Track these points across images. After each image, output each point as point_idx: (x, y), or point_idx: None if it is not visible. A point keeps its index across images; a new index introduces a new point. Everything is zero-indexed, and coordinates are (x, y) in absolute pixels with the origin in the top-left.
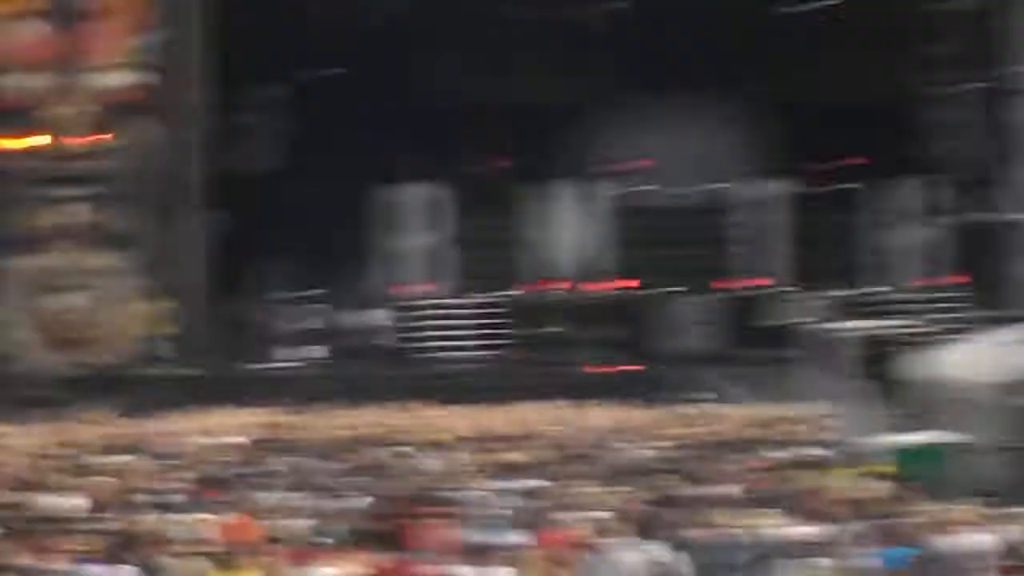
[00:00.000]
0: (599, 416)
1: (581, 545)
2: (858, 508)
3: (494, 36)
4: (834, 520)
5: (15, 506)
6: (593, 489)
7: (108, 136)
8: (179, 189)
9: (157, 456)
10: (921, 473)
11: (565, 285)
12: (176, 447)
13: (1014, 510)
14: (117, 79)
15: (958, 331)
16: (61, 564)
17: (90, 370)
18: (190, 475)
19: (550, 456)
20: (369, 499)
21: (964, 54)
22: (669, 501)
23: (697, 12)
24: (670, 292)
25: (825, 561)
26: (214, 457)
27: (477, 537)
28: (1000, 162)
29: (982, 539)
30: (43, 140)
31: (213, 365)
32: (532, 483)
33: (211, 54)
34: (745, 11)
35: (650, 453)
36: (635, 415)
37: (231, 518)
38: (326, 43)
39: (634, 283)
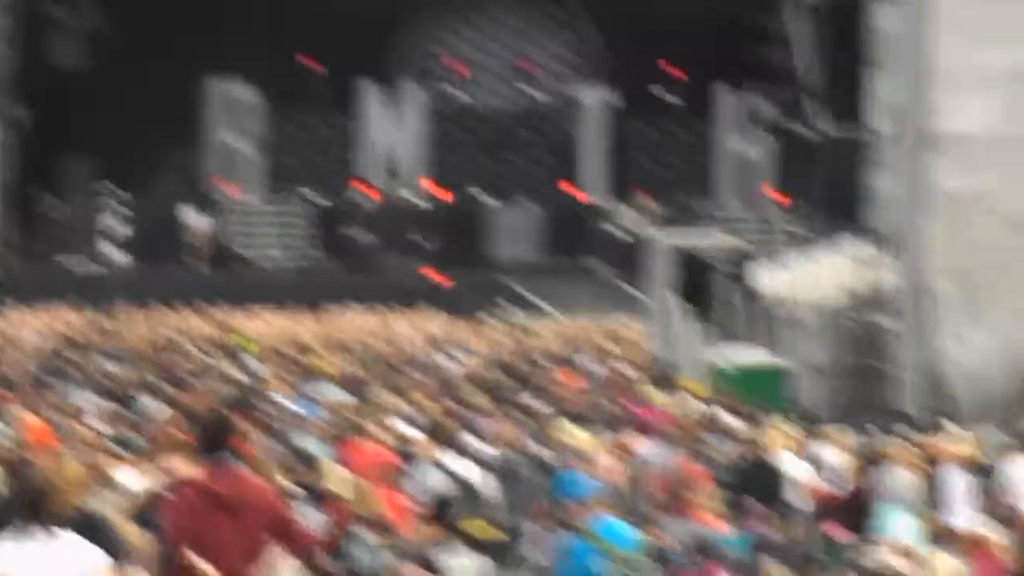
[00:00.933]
0: (410, 326)
1: (386, 458)
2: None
3: None
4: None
5: None
6: (399, 401)
7: None
8: None
9: None
10: (744, 394)
11: (376, 191)
12: None
13: (830, 431)
14: None
15: (786, 249)
16: None
17: None
18: None
19: (359, 366)
20: (169, 407)
21: None
22: (477, 415)
23: None
24: (486, 201)
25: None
26: (10, 358)
27: (281, 446)
28: (844, 74)
29: (795, 461)
30: None
31: (15, 263)
32: (339, 393)
33: None
34: None
35: (460, 366)
36: (446, 326)
37: (27, 420)
38: None
39: (447, 191)
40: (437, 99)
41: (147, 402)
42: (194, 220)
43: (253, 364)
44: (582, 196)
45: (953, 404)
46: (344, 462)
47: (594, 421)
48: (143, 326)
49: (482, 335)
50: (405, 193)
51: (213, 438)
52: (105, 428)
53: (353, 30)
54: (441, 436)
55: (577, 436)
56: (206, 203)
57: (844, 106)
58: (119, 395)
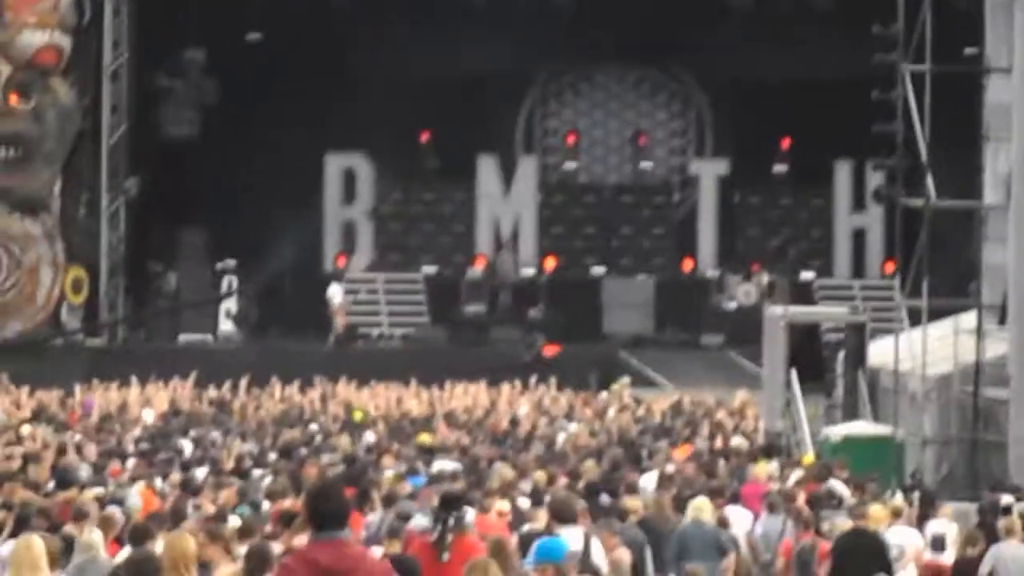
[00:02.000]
0: (523, 399)
1: (501, 531)
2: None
3: (425, 6)
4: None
5: None
6: (513, 474)
7: (21, 98)
8: (93, 154)
9: (59, 428)
10: (852, 465)
11: (486, 263)
12: (83, 418)
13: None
14: (31, 39)
15: (895, 321)
16: None
17: None
18: (93, 449)
19: (469, 438)
20: (282, 479)
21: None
22: (589, 486)
23: None
24: (596, 273)
25: None
26: (120, 430)
27: (394, 520)
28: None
29: (905, 533)
30: None
31: (125, 336)
32: (450, 465)
33: (130, 16)
34: None
35: (573, 438)
36: (559, 399)
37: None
38: (251, 9)
39: (554, 263)
40: (552, 172)
41: (261, 475)
42: (335, 294)
43: (368, 437)
44: (696, 269)
45: None
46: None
47: (707, 493)
48: (257, 400)
49: (595, 408)
50: (520, 266)
51: (325, 512)
52: (220, 502)
53: (471, 104)
54: (559, 511)
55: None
56: (325, 277)
57: (958, 178)
58: (233, 470)
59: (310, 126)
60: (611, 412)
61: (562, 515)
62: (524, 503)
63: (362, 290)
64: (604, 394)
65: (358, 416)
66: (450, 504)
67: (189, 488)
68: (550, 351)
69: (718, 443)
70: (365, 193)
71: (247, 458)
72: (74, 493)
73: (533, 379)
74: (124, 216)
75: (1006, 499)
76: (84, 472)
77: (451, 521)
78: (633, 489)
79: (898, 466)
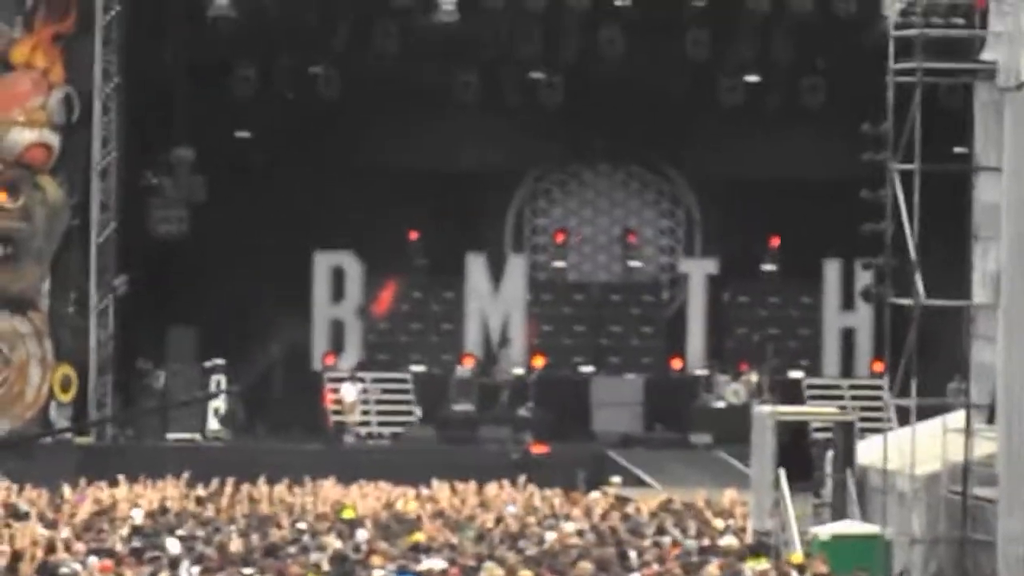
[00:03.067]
0: (508, 497)
1: None
2: None
3: (414, 104)
4: None
5: None
6: (500, 571)
7: (10, 196)
8: (82, 252)
9: (48, 525)
10: (840, 564)
11: (474, 362)
12: (69, 517)
13: None
14: (19, 137)
15: (884, 420)
16: None
17: None
18: (82, 547)
19: (457, 538)
20: None
21: (905, 132)
22: None
23: (624, 86)
24: (585, 372)
25: None
26: (108, 528)
27: None
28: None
29: None
30: None
31: (114, 434)
32: (439, 564)
33: (119, 114)
34: (671, 87)
35: (558, 537)
36: (545, 497)
37: None
38: (240, 107)
39: (543, 361)
40: (540, 270)
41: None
42: (348, 392)
43: (359, 535)
44: (685, 368)
45: None
46: None
47: None
48: (245, 499)
49: (583, 507)
50: (507, 364)
51: None
52: None
53: (460, 202)
54: None
55: None
56: (313, 376)
57: (947, 277)
58: (220, 568)
59: (299, 224)
60: (599, 510)
61: None
62: None
63: (375, 389)
64: (593, 494)
65: (348, 514)
66: None
67: None
68: (538, 450)
69: (706, 542)
70: (354, 291)
71: (237, 557)
72: None
73: (522, 479)
74: (113, 314)
75: None
76: (69, 569)
77: None
78: None
79: (886, 565)
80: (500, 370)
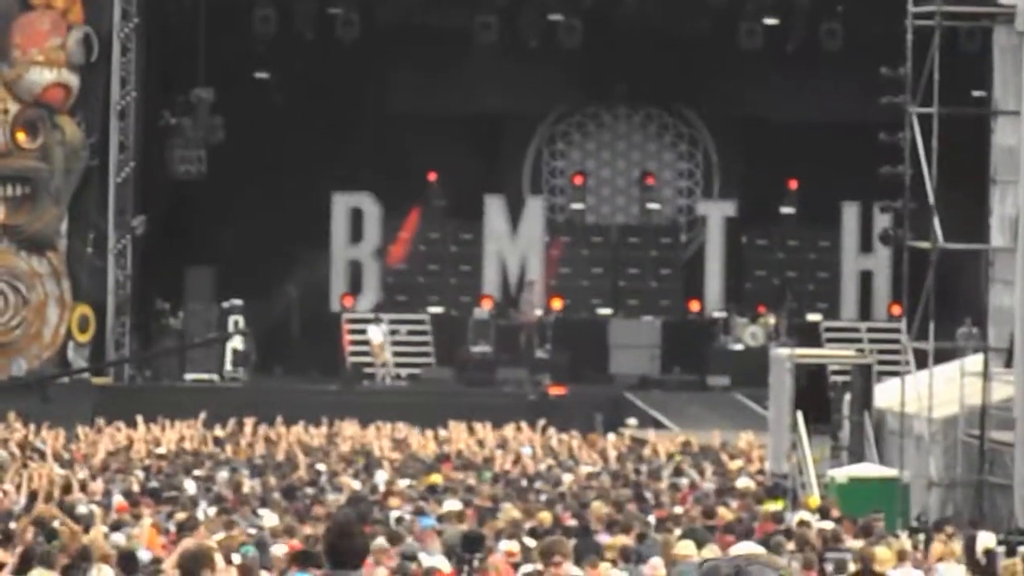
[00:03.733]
0: (526, 439)
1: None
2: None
3: (433, 47)
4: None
5: None
6: (521, 515)
7: (28, 136)
8: (100, 192)
9: (65, 465)
10: (857, 507)
11: (492, 303)
12: (87, 456)
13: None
14: (39, 77)
15: (902, 363)
16: None
17: (5, 375)
18: (99, 487)
19: (478, 480)
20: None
21: (924, 76)
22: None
23: (642, 28)
24: (603, 314)
25: None
26: (126, 469)
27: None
28: (953, 190)
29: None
30: None
31: (131, 374)
32: (456, 506)
33: (138, 54)
34: (690, 30)
35: (578, 479)
36: (563, 439)
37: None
38: (259, 48)
39: (561, 304)
40: (559, 213)
41: (267, 515)
42: (375, 335)
43: (376, 478)
44: (703, 310)
45: None
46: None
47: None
48: (261, 439)
49: (600, 448)
50: (526, 306)
51: (346, 549)
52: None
53: (478, 144)
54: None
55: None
56: (332, 317)
57: (966, 220)
58: (237, 508)
59: (317, 165)
60: (615, 452)
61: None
62: (530, 543)
63: (402, 330)
64: (611, 436)
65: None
66: (473, 545)
67: (191, 527)
68: (556, 392)
69: (723, 484)
70: (372, 233)
71: (252, 497)
72: (80, 530)
73: (540, 421)
74: (131, 254)
75: (986, 537)
76: (87, 509)
77: (475, 562)
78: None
79: (904, 508)
80: (519, 312)
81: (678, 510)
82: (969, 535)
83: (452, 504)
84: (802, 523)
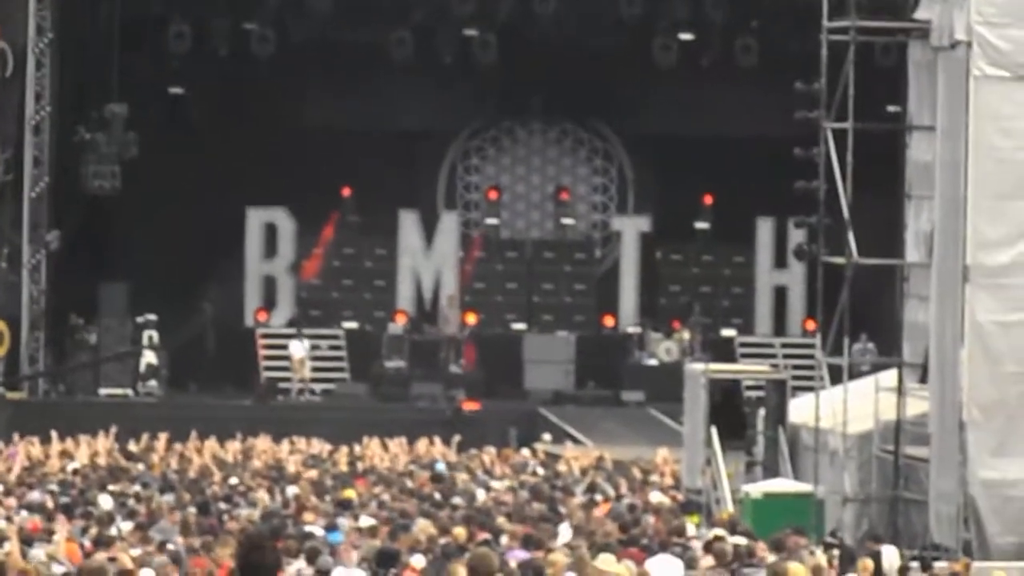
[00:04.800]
0: (436, 453)
1: None
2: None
3: (348, 62)
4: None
5: None
6: (433, 530)
7: None
8: (14, 207)
9: None
10: (772, 523)
11: (406, 318)
12: (3, 472)
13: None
14: None
15: (816, 378)
16: None
17: None
18: (12, 502)
19: (391, 494)
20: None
21: (838, 91)
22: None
23: (557, 43)
24: (517, 329)
25: None
26: (39, 484)
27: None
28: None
29: None
30: None
31: (46, 389)
32: (369, 521)
33: (53, 69)
34: (605, 45)
35: (491, 494)
36: (473, 453)
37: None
38: (173, 63)
39: (475, 319)
40: (474, 228)
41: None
42: (295, 349)
43: (288, 492)
44: (617, 325)
45: (982, 535)
46: None
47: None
48: (176, 454)
49: (514, 464)
50: (443, 321)
51: (259, 565)
52: (138, 554)
53: (393, 159)
54: (478, 566)
55: (610, 566)
56: (246, 332)
57: (880, 235)
58: (152, 522)
59: (232, 181)
60: (530, 468)
61: (480, 571)
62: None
63: (323, 346)
64: (525, 451)
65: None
66: (386, 560)
67: (105, 542)
68: (470, 407)
69: (637, 500)
70: (286, 248)
71: (165, 511)
72: None
73: (454, 436)
74: (45, 269)
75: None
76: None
77: None
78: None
79: (818, 524)
80: (436, 327)
81: (587, 525)
82: (873, 551)
83: (365, 519)
84: (717, 538)
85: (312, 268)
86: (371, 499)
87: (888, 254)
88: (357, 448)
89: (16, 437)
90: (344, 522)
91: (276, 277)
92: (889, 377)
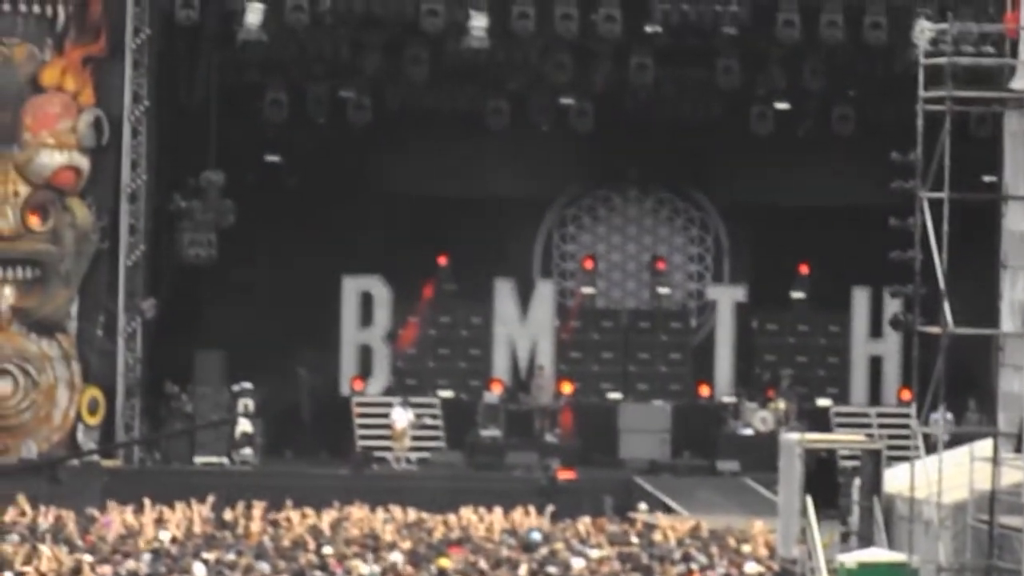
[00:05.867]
0: (535, 523)
1: None
2: None
3: (444, 130)
4: None
5: None
6: None
7: (39, 218)
8: (110, 275)
9: (74, 548)
10: None
11: (502, 387)
12: (97, 540)
13: None
14: (49, 160)
15: (911, 448)
16: None
17: (14, 457)
18: (108, 570)
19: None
20: None
21: (935, 160)
22: None
23: (653, 111)
24: (613, 398)
25: None
26: (134, 552)
27: None
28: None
29: None
30: None
31: (141, 457)
32: None
33: (149, 137)
34: (701, 114)
35: (586, 564)
36: (573, 523)
37: None
38: (270, 131)
39: (571, 388)
40: (568, 297)
41: None
42: (399, 417)
43: (393, 557)
44: (713, 395)
45: None
46: None
47: None
48: (272, 524)
49: (609, 533)
50: (537, 391)
51: None
52: None
53: (488, 227)
54: None
55: None
56: (342, 401)
57: (976, 306)
58: None
59: (327, 248)
60: (625, 537)
61: None
62: None
63: (426, 416)
64: (620, 520)
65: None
66: None
67: None
68: (565, 476)
69: (732, 571)
70: (382, 316)
71: None
72: None
73: (549, 506)
74: (141, 337)
75: None
76: None
77: None
78: None
79: None
80: (530, 396)
81: None
82: None
83: None
84: None
85: (409, 336)
86: (467, 568)
87: (984, 324)
88: (452, 517)
89: (111, 505)
90: None
91: (372, 346)
92: (984, 446)
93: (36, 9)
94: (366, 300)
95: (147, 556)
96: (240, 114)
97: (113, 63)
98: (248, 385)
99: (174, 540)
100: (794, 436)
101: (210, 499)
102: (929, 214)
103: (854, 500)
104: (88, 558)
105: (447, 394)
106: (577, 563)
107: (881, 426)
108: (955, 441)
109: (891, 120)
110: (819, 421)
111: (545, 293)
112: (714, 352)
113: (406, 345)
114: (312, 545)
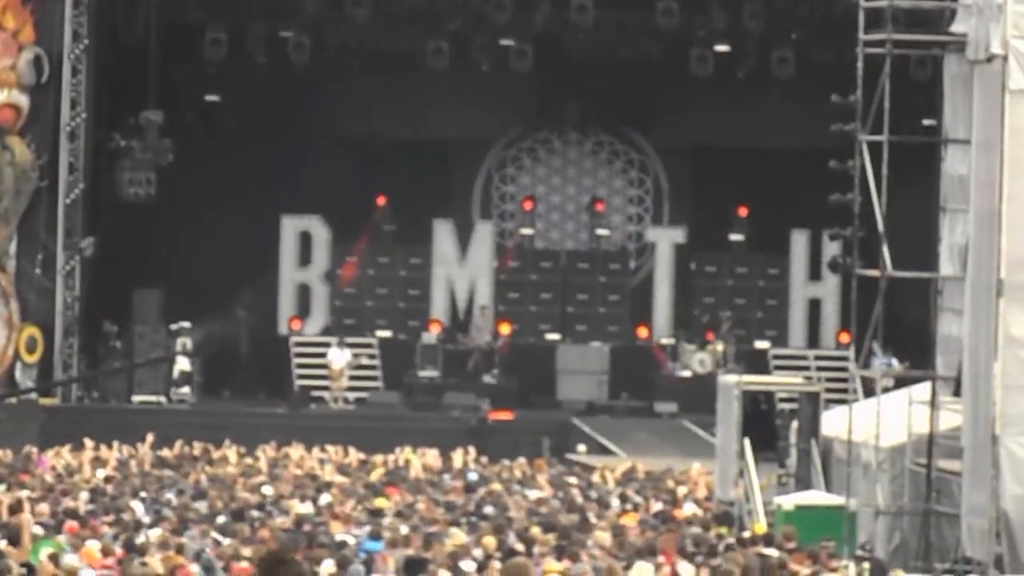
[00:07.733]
0: (472, 464)
1: None
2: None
3: (384, 70)
4: None
5: None
6: (465, 540)
7: None
8: (49, 213)
9: (12, 486)
10: (804, 535)
11: (440, 328)
12: (34, 478)
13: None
14: None
15: (849, 391)
16: None
17: None
18: (46, 508)
19: (424, 504)
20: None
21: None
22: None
23: (593, 53)
24: (551, 339)
25: None
26: (72, 490)
27: None
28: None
29: None
30: None
31: (79, 395)
32: (402, 530)
33: (88, 76)
34: (641, 56)
35: (524, 504)
36: (511, 463)
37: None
38: (209, 71)
39: (509, 329)
40: (507, 238)
41: (215, 537)
42: (336, 357)
43: (321, 500)
44: (651, 336)
45: (1014, 549)
46: None
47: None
48: (209, 461)
49: (546, 473)
50: (474, 331)
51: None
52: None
53: (428, 169)
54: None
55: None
56: (279, 339)
57: (915, 248)
58: (184, 530)
59: (267, 188)
60: (563, 478)
61: None
62: (470, 567)
63: (363, 355)
64: (557, 461)
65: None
66: (414, 569)
67: (137, 549)
68: (498, 416)
69: (670, 511)
70: (321, 256)
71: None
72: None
73: (483, 446)
74: (79, 275)
75: None
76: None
77: None
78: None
79: (850, 536)
80: (468, 337)
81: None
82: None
83: (398, 527)
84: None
85: (347, 276)
86: (403, 508)
87: (922, 267)
88: (390, 457)
89: (49, 443)
90: (375, 530)
91: (310, 285)
92: (922, 390)
93: None
94: (305, 240)
95: (85, 494)
96: (180, 53)
97: (53, 1)
98: (186, 324)
99: (111, 479)
100: (732, 378)
101: (148, 438)
102: (868, 157)
103: (792, 443)
104: (26, 496)
105: (385, 334)
106: (514, 503)
107: (819, 369)
108: (900, 385)
109: (831, 63)
110: (757, 363)
111: (484, 234)
112: (652, 294)
113: (345, 283)
114: (250, 484)
